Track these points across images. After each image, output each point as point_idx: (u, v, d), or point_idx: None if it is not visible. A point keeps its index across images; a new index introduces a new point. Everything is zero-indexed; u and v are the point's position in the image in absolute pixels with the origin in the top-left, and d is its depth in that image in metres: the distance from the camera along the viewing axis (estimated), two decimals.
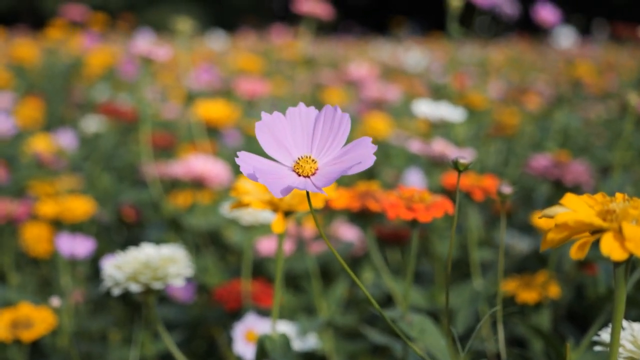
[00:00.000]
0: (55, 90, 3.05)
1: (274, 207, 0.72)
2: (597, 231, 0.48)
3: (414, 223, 0.77)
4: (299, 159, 0.53)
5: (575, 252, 0.47)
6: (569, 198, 0.51)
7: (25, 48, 3.34)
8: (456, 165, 0.58)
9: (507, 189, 0.71)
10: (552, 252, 1.20)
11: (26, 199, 1.59)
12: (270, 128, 0.53)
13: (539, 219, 1.12)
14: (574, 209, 0.50)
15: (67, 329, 1.15)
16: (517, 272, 1.29)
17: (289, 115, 0.54)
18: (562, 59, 4.15)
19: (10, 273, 1.37)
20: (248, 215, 1.05)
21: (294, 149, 0.54)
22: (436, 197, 0.77)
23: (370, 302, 1.21)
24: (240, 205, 0.73)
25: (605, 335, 0.61)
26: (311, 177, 0.52)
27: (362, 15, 13.92)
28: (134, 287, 0.80)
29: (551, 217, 0.50)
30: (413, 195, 0.76)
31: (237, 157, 0.51)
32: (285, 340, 0.73)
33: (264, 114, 0.53)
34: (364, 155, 0.51)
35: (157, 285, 0.80)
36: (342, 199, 0.94)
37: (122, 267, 0.82)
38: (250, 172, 0.50)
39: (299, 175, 0.52)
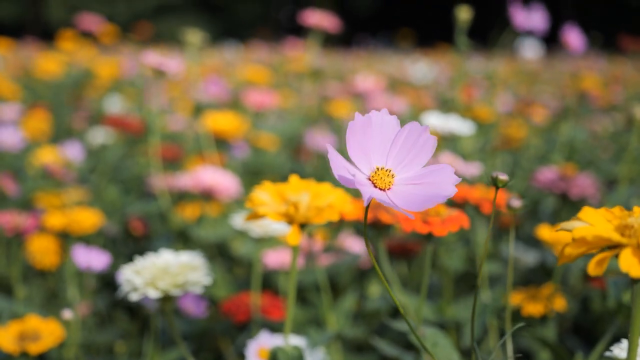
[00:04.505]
0: (63, 101, 3.06)
1: (290, 219, 0.72)
2: (615, 246, 0.47)
3: (429, 237, 0.77)
4: (377, 169, 0.52)
5: (593, 268, 0.46)
6: (586, 212, 0.50)
7: (47, 62, 3.35)
8: (495, 182, 0.58)
9: (516, 203, 0.71)
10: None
11: (33, 211, 1.59)
12: (360, 131, 0.51)
13: (545, 232, 1.12)
14: (592, 223, 0.49)
15: (74, 341, 1.15)
16: (523, 285, 1.29)
17: (372, 120, 0.52)
18: (569, 72, 4.15)
19: (17, 285, 1.37)
20: (258, 228, 1.05)
21: (373, 156, 0.52)
22: (452, 211, 0.77)
23: (379, 313, 1.21)
24: (255, 216, 0.73)
25: (617, 350, 0.61)
26: (387, 192, 0.51)
27: (369, 27, 13.93)
28: (153, 293, 0.79)
29: (569, 231, 0.49)
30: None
31: (328, 152, 0.49)
32: (298, 353, 0.73)
33: (357, 115, 0.51)
34: (444, 184, 0.50)
35: (175, 292, 0.79)
36: (353, 210, 0.94)
37: (140, 273, 0.81)
38: (340, 174, 0.49)
39: (375, 186, 0.51)
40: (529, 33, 1.67)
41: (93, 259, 1.23)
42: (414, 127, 0.53)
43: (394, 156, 0.53)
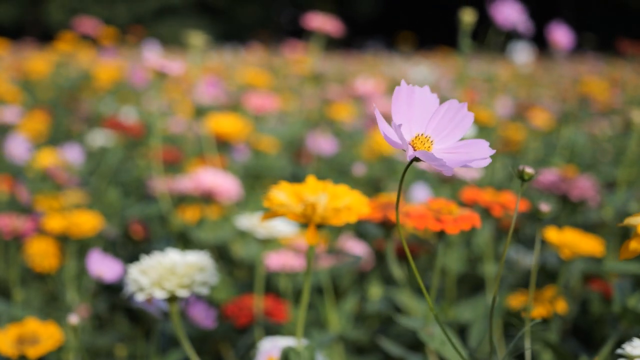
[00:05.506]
0: (62, 103, 3.06)
1: (307, 219, 0.72)
2: None
3: (440, 234, 0.78)
4: (417, 135, 0.55)
5: None
6: None
7: (37, 62, 3.35)
8: (521, 176, 0.58)
9: (545, 207, 0.71)
10: (560, 267, 1.20)
11: (32, 213, 1.58)
12: (405, 98, 0.54)
13: (552, 234, 1.11)
14: None
15: (73, 345, 1.14)
16: (524, 287, 1.28)
17: (415, 92, 0.55)
18: (569, 76, 4.15)
19: (16, 289, 1.36)
20: (262, 229, 1.04)
21: (413, 125, 0.55)
22: (464, 210, 0.78)
23: (379, 315, 1.20)
24: (274, 215, 0.73)
25: (630, 348, 0.61)
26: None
27: (369, 30, 13.94)
28: (159, 294, 0.78)
29: (634, 226, 0.49)
30: (441, 207, 0.77)
31: (375, 114, 0.52)
32: (310, 353, 0.72)
33: (403, 82, 0.54)
34: (480, 155, 0.53)
35: (182, 293, 0.79)
36: (370, 212, 0.94)
37: (147, 272, 0.80)
38: (386, 134, 0.52)
39: (414, 150, 0.54)
40: (516, 32, 1.66)
41: (106, 267, 1.21)
42: (453, 103, 0.57)
43: (432, 128, 0.56)
